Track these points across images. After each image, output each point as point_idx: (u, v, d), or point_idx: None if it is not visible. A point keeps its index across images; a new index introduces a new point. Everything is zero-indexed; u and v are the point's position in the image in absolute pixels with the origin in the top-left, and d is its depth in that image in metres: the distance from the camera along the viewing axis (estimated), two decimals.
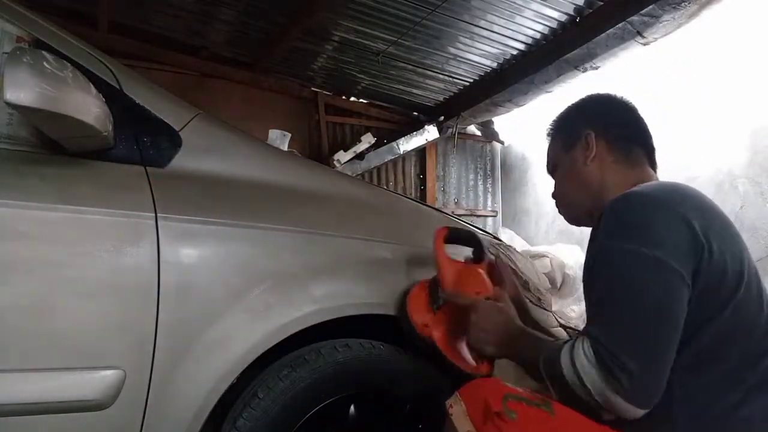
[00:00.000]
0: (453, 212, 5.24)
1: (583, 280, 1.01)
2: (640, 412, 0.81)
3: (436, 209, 1.65)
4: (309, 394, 1.08)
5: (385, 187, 4.89)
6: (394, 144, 5.28)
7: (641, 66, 4.09)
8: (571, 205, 1.17)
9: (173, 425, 0.96)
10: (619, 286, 0.86)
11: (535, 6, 3.47)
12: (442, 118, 5.32)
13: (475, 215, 5.94)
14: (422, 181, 5.72)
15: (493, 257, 1.24)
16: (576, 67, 3.78)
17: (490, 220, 6.09)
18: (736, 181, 3.61)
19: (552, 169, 1.22)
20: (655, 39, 3.34)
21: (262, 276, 1.05)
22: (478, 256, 1.23)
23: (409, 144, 5.34)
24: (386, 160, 5.32)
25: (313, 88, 5.11)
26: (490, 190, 6.14)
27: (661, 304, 0.83)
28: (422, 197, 5.61)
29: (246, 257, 1.05)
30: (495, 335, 1.06)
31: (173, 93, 1.17)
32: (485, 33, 3.86)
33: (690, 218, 0.87)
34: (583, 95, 1.22)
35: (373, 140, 5.15)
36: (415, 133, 5.34)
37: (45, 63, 0.83)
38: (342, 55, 4.40)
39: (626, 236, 0.88)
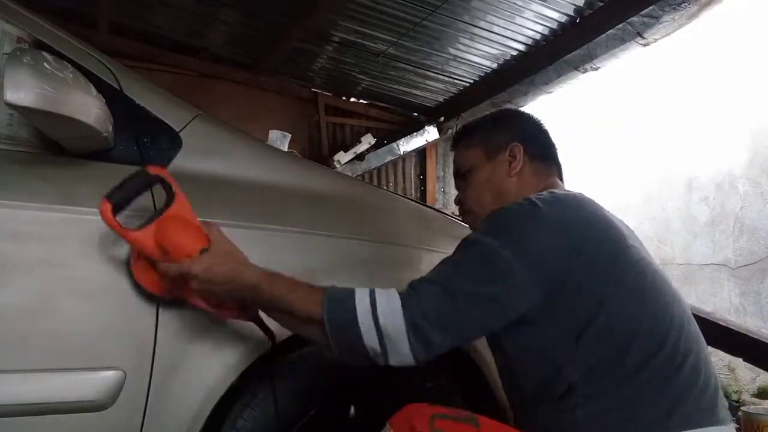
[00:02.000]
0: (453, 213, 5.24)
1: None
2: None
3: (437, 210, 1.65)
4: (309, 395, 1.08)
5: (385, 188, 4.89)
6: (394, 145, 5.27)
7: (641, 66, 4.09)
8: (483, 213, 1.09)
9: (173, 426, 0.96)
10: (469, 270, 0.91)
11: (535, 7, 3.47)
12: (442, 118, 5.33)
13: None
14: (422, 182, 5.72)
15: (178, 187, 0.94)
16: (576, 68, 3.79)
17: None
18: (736, 181, 3.61)
19: (465, 174, 1.19)
20: (655, 40, 3.35)
21: None
22: (169, 196, 0.94)
23: (409, 145, 5.33)
24: (386, 161, 5.32)
25: (313, 89, 5.11)
26: None
27: (492, 300, 0.89)
28: (422, 198, 5.61)
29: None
30: (230, 291, 0.90)
31: (173, 93, 1.17)
32: (485, 34, 3.87)
33: (562, 234, 0.91)
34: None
35: (373, 141, 5.15)
36: (415, 133, 5.34)
37: (45, 64, 0.83)
38: (342, 56, 4.40)
39: (498, 235, 0.92)
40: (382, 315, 0.85)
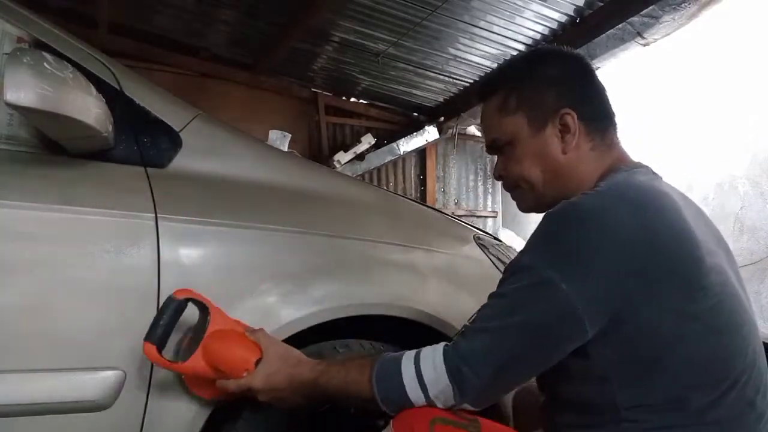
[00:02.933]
0: (453, 213, 5.24)
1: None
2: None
3: (437, 210, 1.65)
4: None
5: (385, 188, 4.89)
6: (394, 145, 5.28)
7: (641, 66, 4.09)
8: (533, 195, 0.97)
9: (173, 426, 0.96)
10: (517, 308, 0.79)
11: (535, 7, 3.47)
12: (442, 118, 5.33)
13: (475, 216, 5.94)
14: (422, 182, 5.72)
15: (209, 301, 0.94)
16: None
17: (490, 220, 6.09)
18: (736, 181, 3.61)
19: (502, 146, 0.97)
20: (655, 40, 3.35)
21: (263, 277, 1.05)
22: (203, 313, 0.94)
23: (409, 145, 5.34)
24: (386, 161, 5.32)
25: (313, 89, 5.12)
26: (490, 190, 6.15)
27: (542, 345, 0.79)
28: (422, 198, 5.61)
29: (246, 258, 1.05)
30: (294, 392, 0.92)
31: (173, 93, 1.17)
32: (485, 34, 3.87)
33: (630, 253, 0.75)
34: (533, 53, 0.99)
35: (373, 141, 5.16)
36: (415, 133, 5.35)
37: (45, 63, 0.83)
38: (342, 55, 4.41)
39: (552, 259, 0.78)
40: (430, 385, 0.81)
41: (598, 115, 0.94)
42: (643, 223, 0.77)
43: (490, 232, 1.81)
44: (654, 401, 0.77)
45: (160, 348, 0.89)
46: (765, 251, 3.42)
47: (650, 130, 4.19)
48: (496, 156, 1.01)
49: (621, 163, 0.92)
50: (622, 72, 4.02)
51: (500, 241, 1.66)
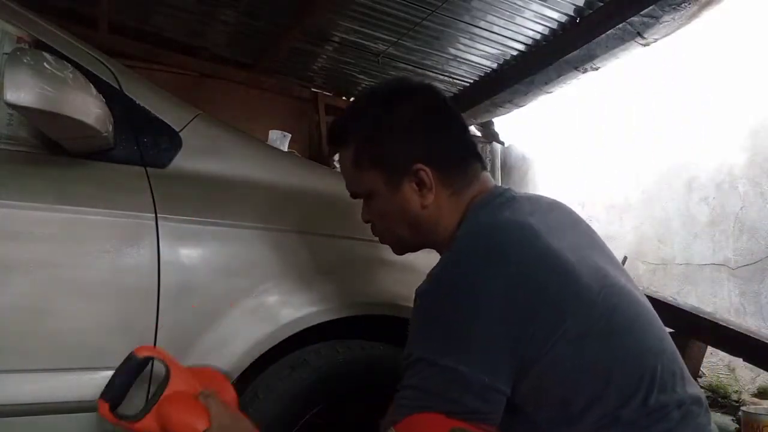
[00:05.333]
0: None
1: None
2: None
3: None
4: (309, 395, 1.08)
5: None
6: None
7: (641, 66, 4.09)
8: (399, 242, 0.98)
9: None
10: (432, 398, 0.75)
11: (535, 7, 3.47)
12: None
13: None
14: None
15: (172, 361, 0.91)
16: (576, 68, 3.79)
17: None
18: (736, 181, 3.61)
19: (362, 196, 0.97)
20: (655, 40, 3.35)
21: (263, 277, 1.05)
22: (166, 372, 0.90)
23: None
24: None
25: (313, 89, 5.11)
26: None
27: (474, 418, 0.74)
28: None
29: (246, 258, 1.05)
30: None
31: (173, 94, 1.17)
32: (485, 34, 3.87)
33: (507, 308, 0.74)
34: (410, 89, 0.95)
35: None
36: None
37: (45, 63, 0.83)
38: (342, 55, 4.40)
39: (438, 346, 0.75)
40: None
41: (453, 158, 0.92)
42: (509, 273, 0.76)
43: None
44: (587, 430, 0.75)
45: (117, 404, 0.87)
46: (765, 251, 3.42)
47: (650, 130, 4.19)
48: None
49: (480, 195, 0.91)
50: (622, 72, 4.02)
51: None
